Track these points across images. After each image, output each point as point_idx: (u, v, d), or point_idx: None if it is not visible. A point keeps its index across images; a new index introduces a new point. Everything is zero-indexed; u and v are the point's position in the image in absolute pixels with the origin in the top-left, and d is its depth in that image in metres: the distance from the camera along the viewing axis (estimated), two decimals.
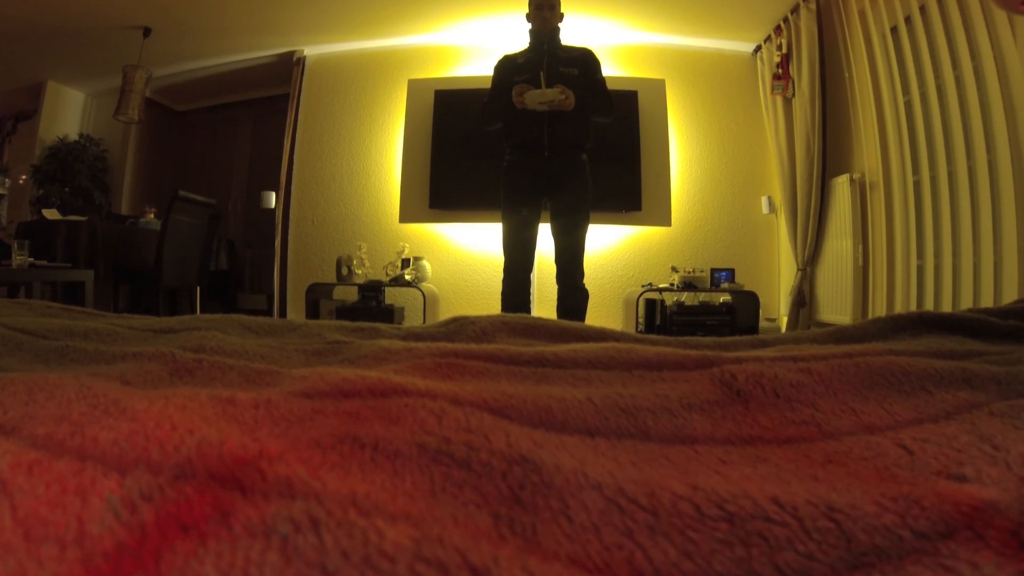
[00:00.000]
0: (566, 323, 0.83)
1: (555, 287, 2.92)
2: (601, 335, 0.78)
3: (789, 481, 0.37)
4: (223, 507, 0.26)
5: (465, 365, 0.55)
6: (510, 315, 0.85)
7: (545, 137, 2.78)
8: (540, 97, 2.67)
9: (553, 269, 2.91)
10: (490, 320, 0.82)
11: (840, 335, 0.87)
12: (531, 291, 3.10)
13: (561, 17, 2.95)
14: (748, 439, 0.44)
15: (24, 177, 5.67)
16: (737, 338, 0.83)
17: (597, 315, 4.33)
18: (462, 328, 0.81)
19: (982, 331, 0.92)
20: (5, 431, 0.39)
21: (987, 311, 1.02)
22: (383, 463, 0.32)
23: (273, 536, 0.24)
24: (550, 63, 2.81)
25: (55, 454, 0.33)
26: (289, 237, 4.94)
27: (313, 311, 4.32)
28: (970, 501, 0.35)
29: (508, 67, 2.95)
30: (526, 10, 2.95)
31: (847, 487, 0.36)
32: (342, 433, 0.34)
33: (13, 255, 3.21)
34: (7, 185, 5.91)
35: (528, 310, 3.01)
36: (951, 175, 2.82)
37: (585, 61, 2.92)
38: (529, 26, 2.93)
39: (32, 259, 3.30)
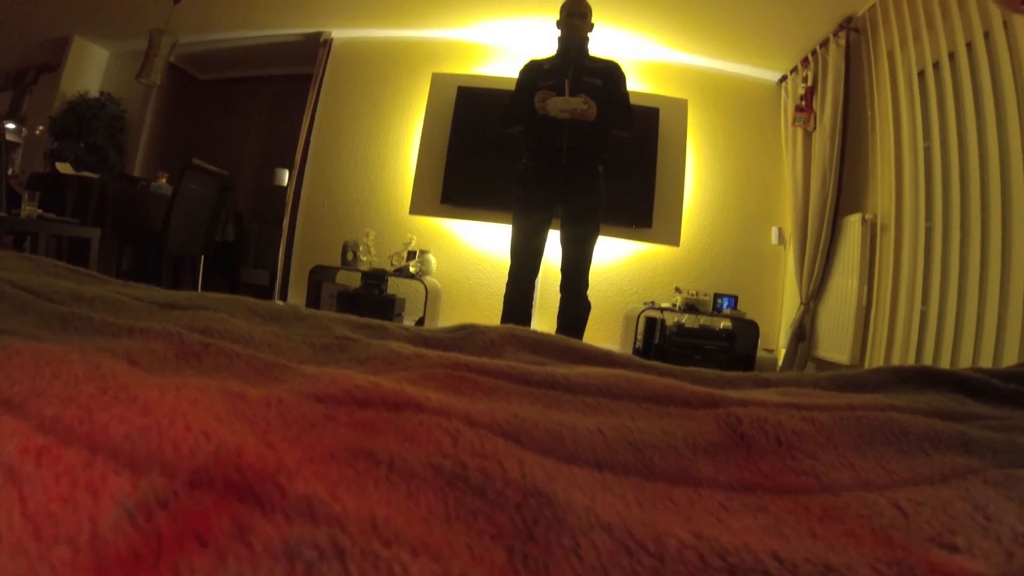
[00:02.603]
0: (574, 342, 0.84)
1: (558, 295, 2.91)
2: (608, 359, 0.78)
3: (789, 536, 0.37)
4: (242, 522, 0.26)
5: (477, 380, 0.56)
6: (519, 328, 0.85)
7: (563, 144, 2.79)
8: (563, 105, 2.67)
9: (558, 277, 2.91)
10: (499, 332, 0.82)
11: (842, 382, 0.87)
12: (533, 296, 3.10)
13: (591, 27, 2.95)
14: (750, 486, 0.44)
15: (41, 128, 5.68)
16: (740, 375, 0.83)
17: (596, 328, 4.33)
18: (471, 336, 0.81)
19: (983, 392, 0.92)
20: (12, 407, 0.38)
21: (989, 372, 1.02)
22: (398, 483, 0.32)
23: (296, 561, 0.24)
24: (576, 72, 2.81)
25: (64, 441, 0.33)
26: (298, 216, 4.94)
27: (315, 293, 4.32)
28: (960, 573, 0.35)
29: (534, 72, 2.95)
30: (556, 16, 2.95)
31: (844, 547, 0.37)
32: (357, 446, 0.34)
33: (23, 205, 3.22)
34: (23, 135, 5.92)
35: (529, 316, 3.01)
36: (963, 225, 2.82)
37: (610, 73, 2.92)
38: (559, 33, 2.93)
39: (41, 211, 3.31)
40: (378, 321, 0.90)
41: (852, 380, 0.88)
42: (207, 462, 0.30)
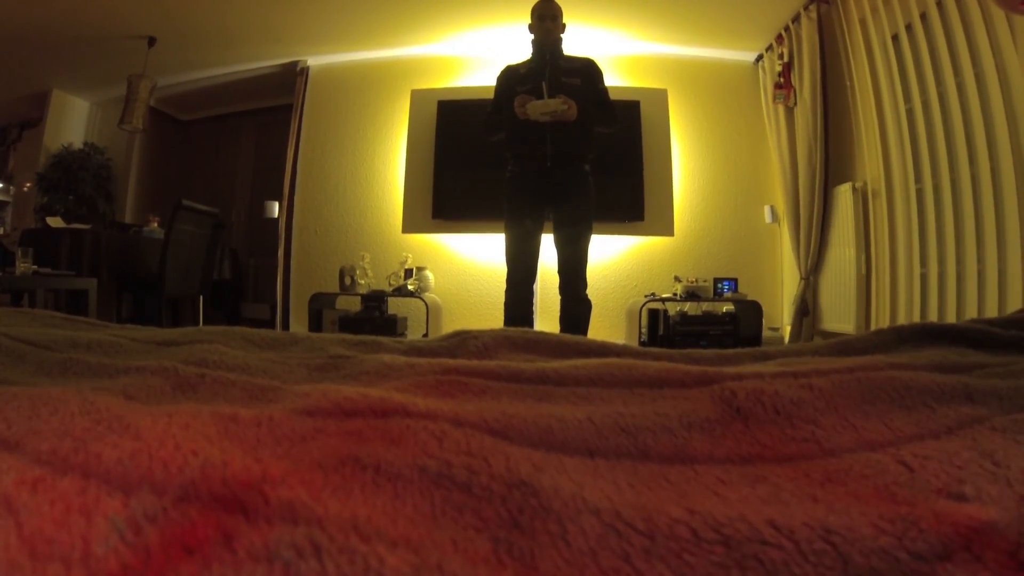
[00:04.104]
0: (568, 338, 0.83)
1: (558, 298, 2.91)
2: (603, 350, 0.78)
3: (788, 502, 0.37)
4: (226, 530, 0.27)
5: (466, 383, 0.56)
6: (512, 330, 0.85)
7: (547, 148, 2.79)
8: (542, 107, 2.67)
9: (556, 280, 2.91)
10: (492, 335, 0.82)
11: (842, 347, 0.87)
12: (534, 302, 3.10)
13: (563, 28, 2.96)
14: (748, 458, 0.44)
15: (29, 185, 5.70)
16: (739, 351, 0.83)
17: (600, 326, 4.33)
18: (464, 343, 0.81)
19: (984, 342, 0.92)
20: (9, 446, 0.39)
21: (989, 321, 1.02)
22: (384, 485, 0.32)
23: (276, 561, 0.24)
24: (552, 73, 2.82)
25: (59, 471, 0.34)
26: (292, 247, 4.95)
27: (316, 321, 4.32)
28: (968, 522, 0.35)
29: (511, 77, 2.96)
30: (529, 21, 2.96)
31: (845, 508, 0.36)
32: (344, 454, 0.35)
33: (17, 263, 3.22)
34: (12, 193, 5.95)
35: (531, 321, 3.00)
36: (954, 182, 2.82)
37: (588, 71, 2.92)
38: (532, 37, 2.94)
39: (36, 267, 3.31)
40: (372, 337, 0.90)
41: (852, 344, 0.88)
42: (194, 476, 0.30)
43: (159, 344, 0.93)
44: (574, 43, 3.18)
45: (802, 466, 0.44)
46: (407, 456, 0.35)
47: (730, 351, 0.83)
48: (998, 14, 2.54)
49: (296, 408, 0.43)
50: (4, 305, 4.29)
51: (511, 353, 0.77)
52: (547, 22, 2.89)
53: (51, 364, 0.80)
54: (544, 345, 0.80)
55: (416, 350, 0.80)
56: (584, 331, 2.87)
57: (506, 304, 2.91)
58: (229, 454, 0.32)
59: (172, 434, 0.34)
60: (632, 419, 0.45)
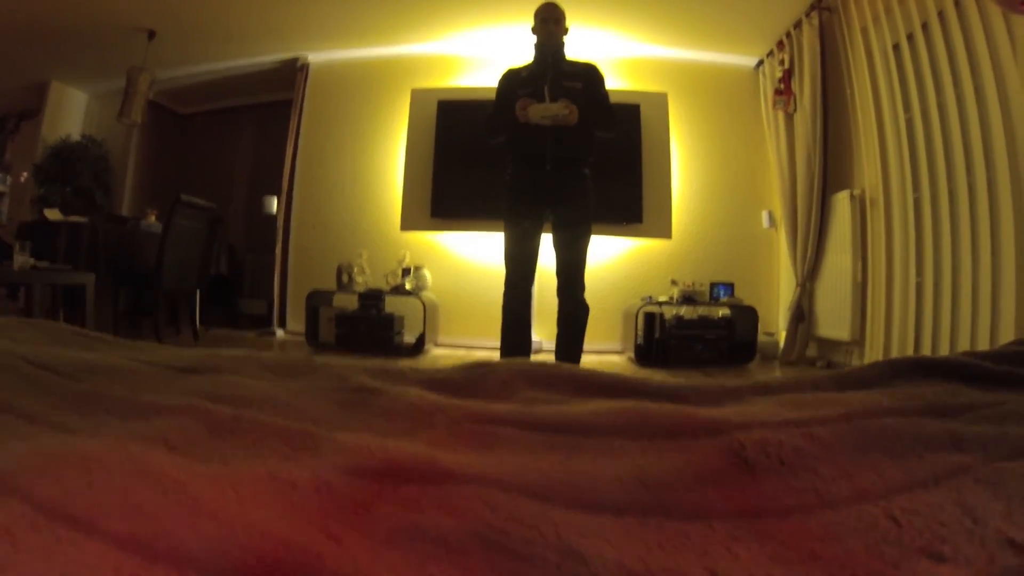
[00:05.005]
0: (584, 372, 0.88)
1: (556, 300, 2.94)
2: (617, 386, 0.82)
3: (791, 561, 0.41)
4: None
5: (497, 433, 0.60)
6: (528, 363, 0.89)
7: (548, 151, 2.81)
8: (544, 111, 2.69)
9: (554, 281, 2.94)
10: (509, 369, 0.86)
11: (840, 381, 0.92)
12: (532, 303, 3.13)
13: (566, 31, 2.97)
14: (755, 512, 0.48)
15: (26, 175, 5.70)
16: (740, 385, 0.87)
17: (597, 329, 4.32)
18: (484, 378, 0.85)
19: (977, 377, 0.96)
20: (82, 526, 0.39)
21: (982, 355, 1.06)
22: (455, 560, 0.36)
23: None
24: (554, 77, 2.83)
25: (149, 559, 0.35)
26: (290, 243, 4.97)
27: (313, 318, 4.34)
28: None
29: (512, 80, 2.97)
30: (531, 22, 2.97)
31: (840, 566, 0.41)
32: (408, 525, 0.39)
33: (15, 256, 3.20)
34: (8, 183, 5.93)
35: (528, 322, 3.03)
36: (951, 192, 2.87)
37: (589, 75, 2.94)
38: (534, 39, 2.95)
39: (34, 260, 3.29)
40: (391, 364, 0.93)
41: (850, 376, 0.93)
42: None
43: (178, 371, 0.95)
44: (576, 45, 3.19)
45: (803, 520, 0.49)
46: (466, 525, 0.39)
47: (732, 384, 0.87)
48: (999, 26, 2.57)
49: (347, 467, 0.47)
50: (0, 297, 4.30)
51: (530, 389, 0.81)
52: (550, 25, 2.90)
53: (75, 397, 0.81)
54: (560, 380, 0.84)
55: (439, 383, 0.84)
56: (581, 335, 2.91)
57: (504, 306, 2.93)
58: (311, 537, 0.36)
59: (247, 514, 0.38)
60: (653, 474, 0.50)
